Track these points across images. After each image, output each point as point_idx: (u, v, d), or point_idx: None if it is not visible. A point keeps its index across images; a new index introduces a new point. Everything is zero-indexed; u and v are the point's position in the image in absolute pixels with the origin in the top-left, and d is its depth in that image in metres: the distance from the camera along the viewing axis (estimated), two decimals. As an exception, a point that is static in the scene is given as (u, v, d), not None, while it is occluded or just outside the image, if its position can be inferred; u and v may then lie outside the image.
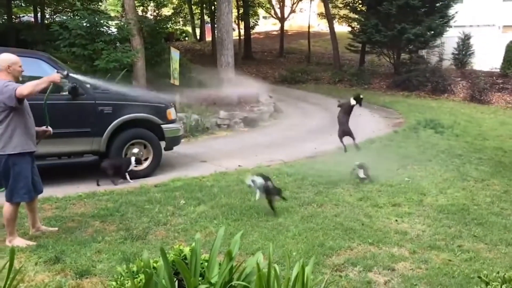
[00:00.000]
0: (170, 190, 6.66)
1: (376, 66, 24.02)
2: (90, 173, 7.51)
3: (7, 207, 4.72)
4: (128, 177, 7.25)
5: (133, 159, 7.26)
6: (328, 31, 25.67)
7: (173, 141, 7.94)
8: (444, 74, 19.63)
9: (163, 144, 7.77)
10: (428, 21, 19.27)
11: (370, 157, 8.79)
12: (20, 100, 4.52)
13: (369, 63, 24.09)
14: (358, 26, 22.70)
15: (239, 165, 8.28)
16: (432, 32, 19.65)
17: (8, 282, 2.90)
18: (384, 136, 11.31)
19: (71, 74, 6.00)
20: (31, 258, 4.40)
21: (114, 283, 2.71)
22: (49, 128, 5.10)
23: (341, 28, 27.46)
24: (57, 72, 5.01)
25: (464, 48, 20.90)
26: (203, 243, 4.46)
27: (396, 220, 5.63)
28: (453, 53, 20.98)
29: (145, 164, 7.57)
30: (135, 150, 7.47)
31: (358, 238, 5.03)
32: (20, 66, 4.71)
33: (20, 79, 4.78)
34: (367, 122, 13.45)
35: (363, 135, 11.05)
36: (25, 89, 4.47)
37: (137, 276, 2.65)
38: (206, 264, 2.77)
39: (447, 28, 19.94)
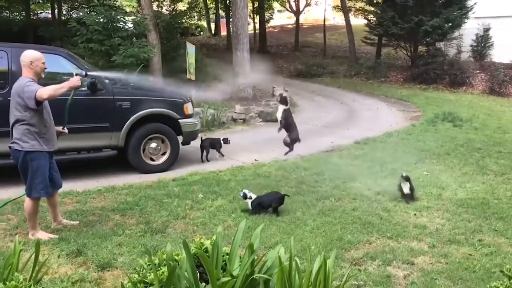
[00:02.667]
0: (188, 184, 6.71)
1: (393, 59, 23.80)
2: (109, 168, 7.61)
3: (27, 202, 4.80)
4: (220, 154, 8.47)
5: (221, 139, 8.46)
6: (344, 24, 25.48)
7: (191, 136, 7.98)
8: (462, 67, 19.36)
9: (180, 138, 7.82)
10: (446, 12, 18.98)
11: (388, 151, 8.76)
12: (38, 102, 4.57)
13: (385, 56, 23.86)
14: (375, 19, 22.48)
15: (255, 159, 8.30)
16: (450, 24, 19.35)
17: (34, 274, 2.96)
18: (402, 129, 11.21)
19: (89, 73, 6.06)
20: (53, 251, 4.48)
21: (136, 275, 2.75)
22: (65, 130, 5.17)
23: (357, 21, 27.21)
24: (76, 74, 5.01)
25: (483, 39, 20.55)
26: (222, 236, 4.49)
27: (415, 214, 5.60)
28: (471, 45, 20.64)
29: (163, 159, 7.63)
30: (153, 145, 7.53)
31: (377, 232, 5.01)
32: (44, 63, 4.76)
33: (43, 76, 4.84)
34: (384, 116, 13.39)
35: (380, 129, 11.03)
36: (44, 93, 4.51)
37: (159, 268, 2.68)
38: (227, 257, 2.79)
39: (466, 20, 19.60)
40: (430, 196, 6.28)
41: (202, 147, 8.27)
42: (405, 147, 9.24)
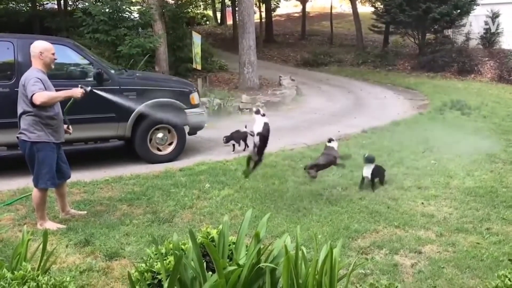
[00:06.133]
0: (195, 174, 6.72)
1: (400, 47, 23.57)
2: (116, 158, 7.63)
3: (35, 192, 4.84)
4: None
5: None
6: (351, 11, 25.26)
7: (197, 126, 7.97)
8: (471, 54, 19.14)
9: (187, 128, 7.81)
10: (454, -1, 18.75)
11: (396, 139, 8.72)
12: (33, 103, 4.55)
13: (393, 44, 23.66)
14: (382, 6, 22.26)
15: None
16: (459, 10, 19.10)
17: (42, 264, 2.99)
18: (409, 118, 11.14)
19: (94, 90, 5.82)
20: (62, 240, 4.51)
21: (143, 265, 2.76)
22: (70, 130, 5.17)
23: (364, 9, 26.98)
24: (81, 87, 4.93)
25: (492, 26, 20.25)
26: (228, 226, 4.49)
27: (423, 203, 5.57)
28: (480, 32, 20.36)
29: (170, 149, 7.63)
30: (160, 135, 7.53)
31: (384, 221, 5.00)
32: (53, 54, 4.76)
33: (53, 66, 4.85)
34: (392, 104, 13.30)
35: (387, 118, 10.95)
36: (39, 99, 4.48)
37: (166, 258, 2.69)
38: (233, 246, 2.79)
39: (474, 6, 19.34)
40: (437, 184, 6.24)
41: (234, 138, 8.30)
42: (413, 135, 9.18)
